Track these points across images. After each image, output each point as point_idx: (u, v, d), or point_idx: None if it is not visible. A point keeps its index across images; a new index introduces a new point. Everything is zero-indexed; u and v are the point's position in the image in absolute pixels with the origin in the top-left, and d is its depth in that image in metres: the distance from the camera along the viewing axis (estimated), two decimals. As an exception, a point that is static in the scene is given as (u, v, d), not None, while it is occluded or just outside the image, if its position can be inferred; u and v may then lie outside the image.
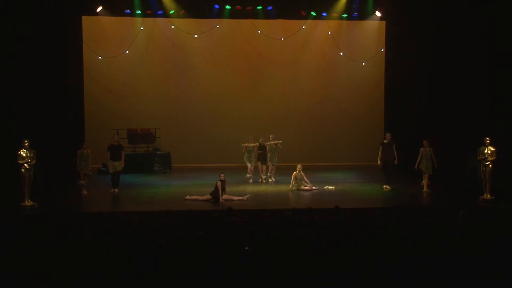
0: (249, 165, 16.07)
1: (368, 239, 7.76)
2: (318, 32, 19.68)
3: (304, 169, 14.93)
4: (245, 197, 13.30)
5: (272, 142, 15.86)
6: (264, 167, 15.95)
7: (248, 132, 16.67)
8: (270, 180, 15.94)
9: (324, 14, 18.56)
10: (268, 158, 15.84)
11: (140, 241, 7.64)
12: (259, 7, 18.11)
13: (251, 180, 15.94)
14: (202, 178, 16.23)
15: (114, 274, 6.45)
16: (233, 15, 18.44)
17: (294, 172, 14.71)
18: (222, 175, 13.42)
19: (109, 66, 18.95)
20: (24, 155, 12.52)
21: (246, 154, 16.06)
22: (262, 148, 15.91)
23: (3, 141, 13.18)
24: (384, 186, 14.81)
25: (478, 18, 14.49)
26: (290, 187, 14.72)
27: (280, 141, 15.92)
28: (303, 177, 14.75)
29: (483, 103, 14.44)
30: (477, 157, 13.33)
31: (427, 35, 16.63)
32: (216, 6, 17.95)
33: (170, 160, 18.42)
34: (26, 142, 12.57)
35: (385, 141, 14.89)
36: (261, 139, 15.96)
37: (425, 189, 14.30)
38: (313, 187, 14.78)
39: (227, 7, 18.00)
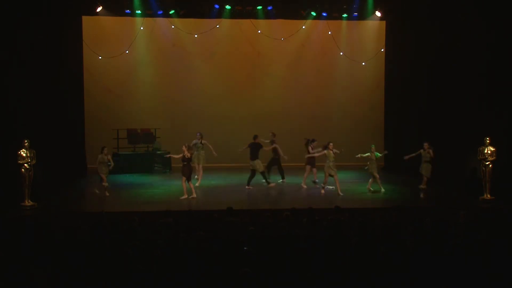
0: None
1: (368, 239, 7.76)
2: (318, 32, 19.65)
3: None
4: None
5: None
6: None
7: (248, 132, 16.63)
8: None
9: (324, 14, 18.53)
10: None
11: (140, 241, 7.64)
12: (259, 7, 18.06)
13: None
14: (202, 178, 16.18)
15: (114, 274, 6.45)
16: (233, 15, 18.40)
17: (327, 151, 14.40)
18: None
19: (109, 66, 18.92)
20: (24, 155, 12.52)
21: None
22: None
23: (3, 141, 13.17)
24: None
25: (478, 18, 14.50)
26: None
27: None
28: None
29: (483, 103, 14.44)
30: (477, 157, 13.33)
31: (427, 35, 16.62)
32: (216, 6, 17.89)
33: (170, 160, 18.41)
34: (26, 142, 12.57)
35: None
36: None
37: (421, 186, 14.35)
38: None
39: (227, 7, 17.94)
